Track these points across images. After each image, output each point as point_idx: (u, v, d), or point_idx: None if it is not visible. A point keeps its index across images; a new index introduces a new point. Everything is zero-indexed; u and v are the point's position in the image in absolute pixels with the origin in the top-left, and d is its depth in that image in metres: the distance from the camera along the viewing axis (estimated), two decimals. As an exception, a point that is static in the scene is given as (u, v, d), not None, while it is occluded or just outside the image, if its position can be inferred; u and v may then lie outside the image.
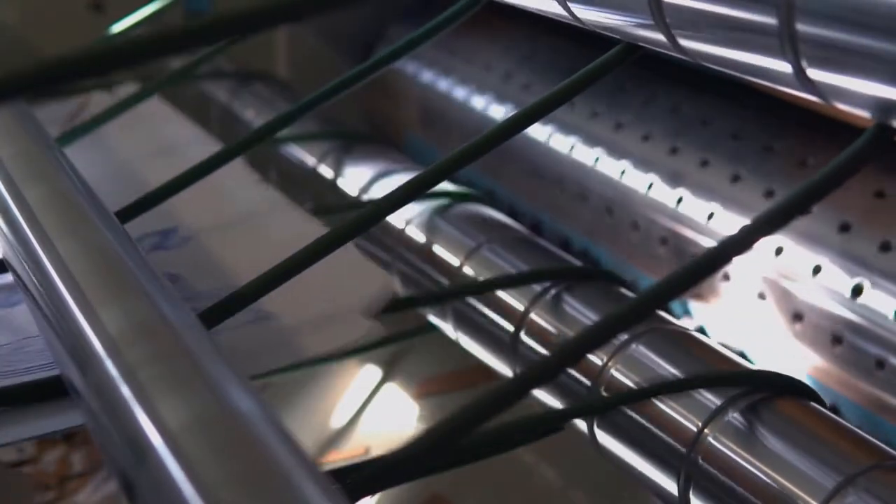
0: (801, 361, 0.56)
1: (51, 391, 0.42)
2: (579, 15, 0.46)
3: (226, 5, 0.96)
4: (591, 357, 0.49)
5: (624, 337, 0.49)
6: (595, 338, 0.35)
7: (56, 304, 0.34)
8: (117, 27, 0.77)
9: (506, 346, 0.56)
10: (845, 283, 0.54)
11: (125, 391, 0.29)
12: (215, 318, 0.44)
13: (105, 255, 0.36)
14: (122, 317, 0.32)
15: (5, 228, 0.41)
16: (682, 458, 0.45)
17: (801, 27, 0.33)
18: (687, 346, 0.49)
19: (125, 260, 0.35)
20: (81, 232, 0.37)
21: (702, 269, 0.35)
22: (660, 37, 0.41)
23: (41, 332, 0.37)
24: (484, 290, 0.57)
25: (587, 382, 0.50)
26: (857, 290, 0.53)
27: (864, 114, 0.35)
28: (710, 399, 0.45)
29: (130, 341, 0.31)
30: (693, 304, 0.62)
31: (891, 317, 0.52)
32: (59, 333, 0.34)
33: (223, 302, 0.45)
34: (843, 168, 0.35)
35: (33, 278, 0.37)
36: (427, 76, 0.86)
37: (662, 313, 0.53)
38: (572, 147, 0.72)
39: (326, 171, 0.75)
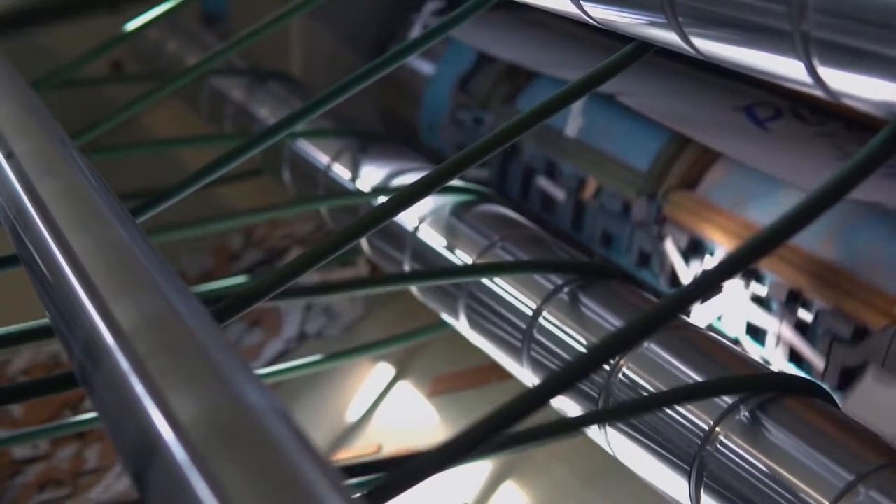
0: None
1: (64, 384, 0.43)
2: (592, 13, 0.46)
3: (240, 5, 0.96)
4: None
5: (636, 335, 0.49)
6: (619, 343, 0.35)
7: (68, 297, 0.35)
8: (132, 24, 0.77)
9: (518, 344, 0.56)
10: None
11: (137, 385, 0.29)
12: (227, 314, 0.44)
13: (118, 250, 0.36)
14: (134, 311, 0.32)
15: (18, 222, 0.41)
16: (694, 456, 0.45)
17: (813, 25, 0.33)
18: (699, 344, 0.49)
19: (138, 254, 0.35)
20: (94, 226, 0.37)
21: (724, 272, 0.35)
22: (673, 35, 0.41)
23: (53, 324, 0.37)
24: (494, 273, 0.57)
25: (599, 380, 0.50)
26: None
27: (877, 113, 0.35)
28: (722, 398, 0.45)
29: (142, 335, 0.31)
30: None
31: None
32: (72, 327, 0.34)
33: (234, 299, 0.45)
34: (861, 167, 0.35)
35: (46, 272, 0.37)
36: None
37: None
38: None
39: (341, 170, 0.75)
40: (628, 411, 0.47)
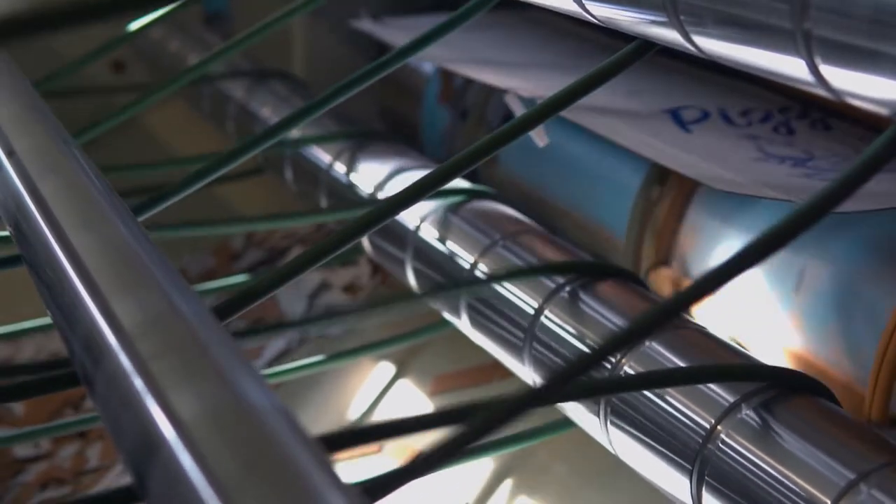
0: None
1: (65, 383, 0.43)
2: (594, 12, 0.46)
3: (242, 6, 0.96)
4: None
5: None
6: (621, 344, 0.35)
7: (70, 295, 0.35)
8: (135, 25, 0.77)
9: (520, 342, 0.56)
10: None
11: (138, 384, 0.29)
12: (229, 312, 0.44)
13: (119, 248, 0.36)
14: (135, 309, 0.32)
15: (20, 220, 0.41)
16: (696, 454, 0.45)
17: (814, 24, 0.33)
18: (701, 344, 0.49)
19: (139, 253, 0.35)
20: (96, 225, 0.37)
21: (726, 272, 0.35)
22: (674, 34, 0.41)
23: (55, 322, 0.38)
24: (496, 281, 0.57)
25: (600, 379, 0.50)
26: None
27: (881, 111, 0.35)
28: (724, 396, 0.45)
29: (144, 334, 0.31)
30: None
31: None
32: (73, 325, 0.34)
33: (235, 297, 0.45)
34: (866, 166, 0.35)
35: (47, 270, 0.37)
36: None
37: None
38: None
39: (341, 169, 0.75)
40: (621, 388, 0.47)
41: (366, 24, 0.86)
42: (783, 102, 0.68)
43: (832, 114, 0.66)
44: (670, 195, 0.64)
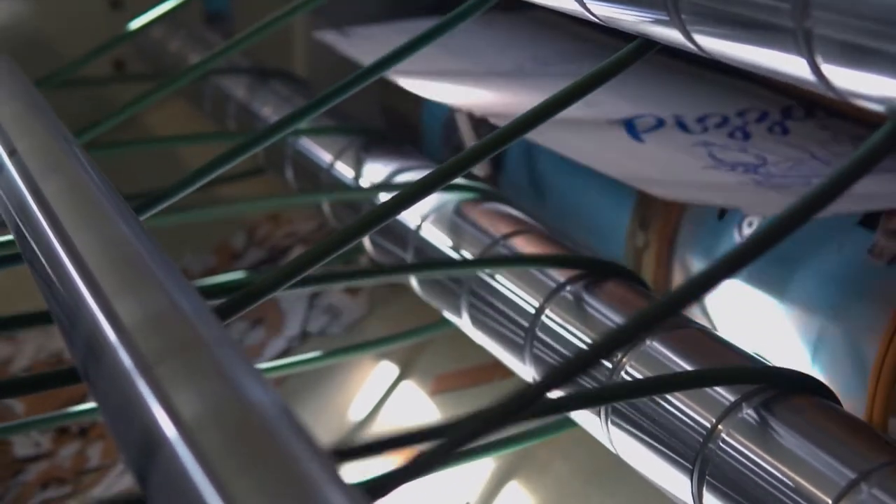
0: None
1: (66, 379, 0.43)
2: (594, 10, 0.46)
3: (243, 5, 0.96)
4: (606, 353, 0.49)
5: (639, 333, 0.49)
6: (619, 339, 0.35)
7: (71, 294, 0.35)
8: (135, 23, 0.77)
9: (521, 341, 0.56)
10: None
11: (139, 382, 0.29)
12: (230, 311, 0.44)
13: (120, 247, 0.36)
14: (136, 307, 0.32)
15: (22, 220, 0.41)
16: (696, 454, 0.45)
17: (815, 22, 0.33)
18: (702, 343, 0.49)
19: (141, 252, 0.35)
20: (97, 223, 0.37)
21: (725, 268, 0.35)
22: (675, 33, 0.41)
23: (56, 321, 0.38)
24: (503, 266, 0.57)
25: (602, 378, 0.50)
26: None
27: (879, 109, 0.35)
28: (724, 395, 0.45)
29: (145, 333, 0.31)
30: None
31: None
32: (74, 323, 0.34)
33: (236, 297, 0.45)
34: (860, 164, 0.35)
35: (49, 268, 0.37)
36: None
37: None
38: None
39: (344, 168, 0.75)
40: (625, 395, 0.47)
41: (329, 37, 0.85)
42: (742, 105, 0.67)
43: (792, 116, 0.66)
44: (655, 242, 0.63)
